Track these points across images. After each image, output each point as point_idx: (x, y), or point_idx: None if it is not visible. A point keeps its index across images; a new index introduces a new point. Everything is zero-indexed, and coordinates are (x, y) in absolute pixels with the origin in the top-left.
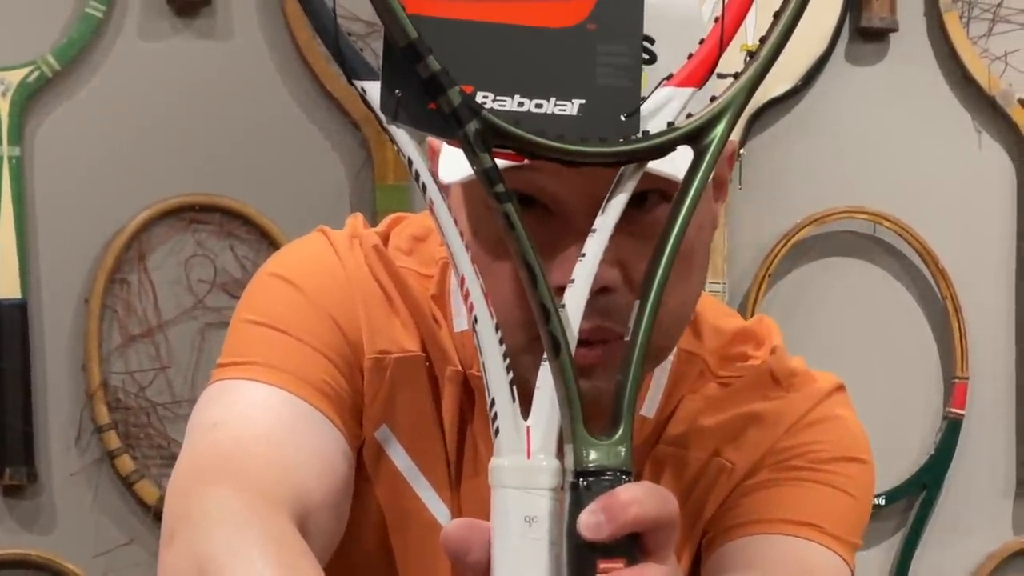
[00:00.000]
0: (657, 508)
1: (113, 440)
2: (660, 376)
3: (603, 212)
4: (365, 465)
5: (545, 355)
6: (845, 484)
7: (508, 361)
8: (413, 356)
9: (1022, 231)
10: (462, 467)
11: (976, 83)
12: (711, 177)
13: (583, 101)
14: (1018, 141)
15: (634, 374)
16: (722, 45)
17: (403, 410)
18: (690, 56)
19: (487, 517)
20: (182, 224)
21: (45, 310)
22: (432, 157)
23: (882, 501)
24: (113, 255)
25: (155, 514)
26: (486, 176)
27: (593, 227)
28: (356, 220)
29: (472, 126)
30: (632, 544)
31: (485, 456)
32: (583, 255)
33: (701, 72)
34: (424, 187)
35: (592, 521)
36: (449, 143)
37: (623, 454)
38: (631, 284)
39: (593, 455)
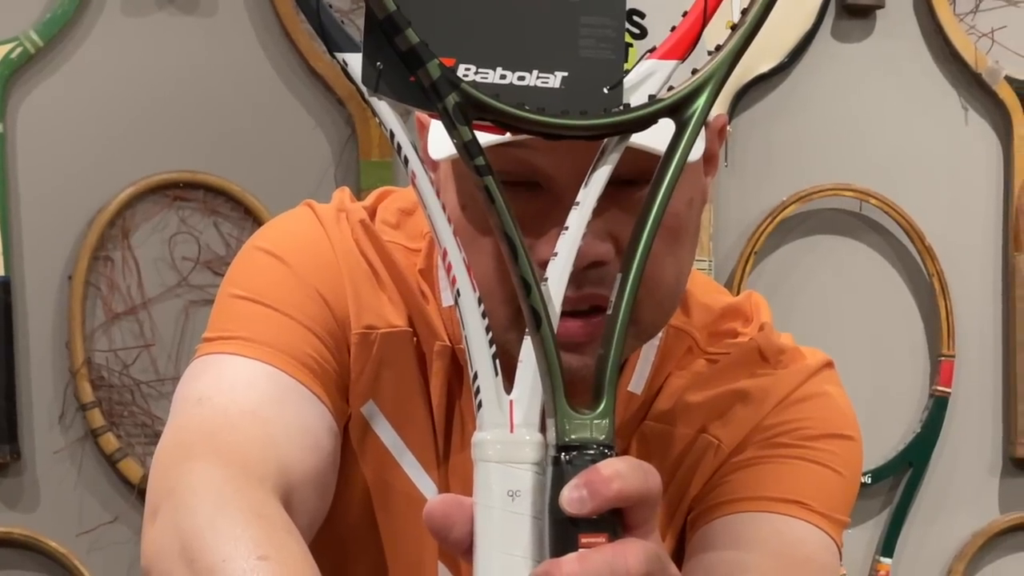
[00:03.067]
0: (640, 483)
1: (97, 418)
2: (648, 352)
3: (586, 185)
4: (351, 440)
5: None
6: (832, 461)
7: (491, 335)
8: (400, 331)
9: (1008, 209)
10: (449, 442)
11: (962, 60)
12: (702, 152)
13: (566, 74)
14: (1004, 118)
15: (616, 347)
16: (706, 17)
17: (390, 385)
18: (673, 28)
19: (470, 495)
20: (166, 201)
21: (28, 287)
22: (421, 131)
23: (868, 479)
24: (97, 232)
25: (139, 492)
26: (466, 149)
27: (576, 200)
28: (343, 194)
29: (451, 99)
30: (614, 519)
31: (472, 431)
32: (566, 228)
33: (684, 44)
34: (406, 160)
35: (574, 496)
36: (430, 116)
37: (606, 428)
38: (620, 253)
39: (575, 430)
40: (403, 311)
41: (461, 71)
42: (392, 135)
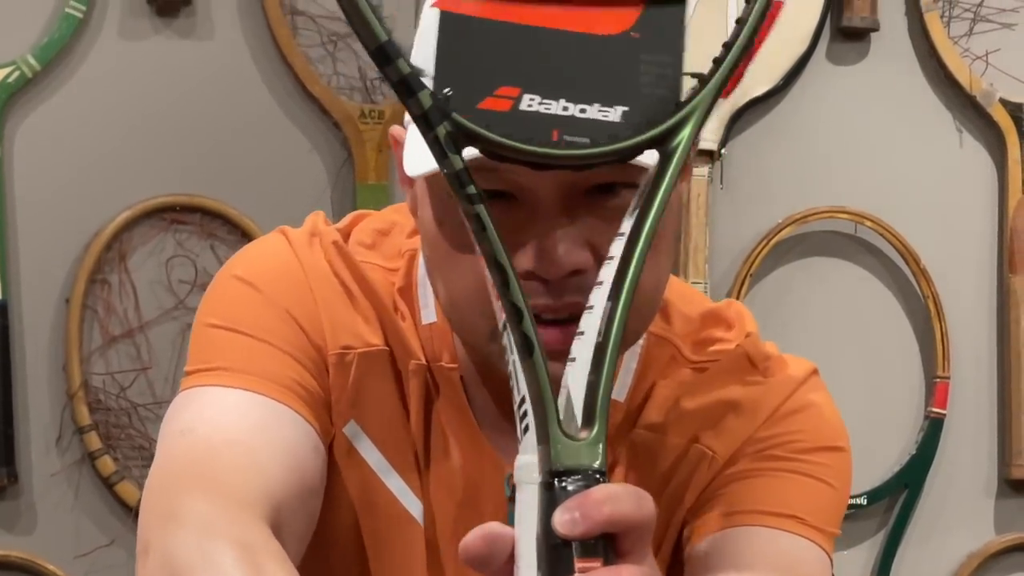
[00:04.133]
0: (632, 509)
1: (94, 441)
2: (630, 360)
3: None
4: (336, 460)
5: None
6: (824, 474)
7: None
8: (377, 350)
9: (1003, 231)
10: (430, 459)
11: (957, 82)
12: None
13: (626, 108)
14: (999, 141)
15: (607, 373)
16: (751, 53)
17: (370, 404)
18: (716, 62)
19: (457, 508)
20: (163, 224)
21: (26, 310)
22: (396, 148)
23: (864, 500)
24: (94, 255)
25: (136, 515)
26: (457, 179)
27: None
28: (316, 218)
29: (442, 129)
30: (608, 544)
31: (453, 447)
32: (621, 233)
33: (731, 82)
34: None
35: (566, 518)
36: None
37: (599, 454)
38: (601, 264)
39: (568, 455)
40: (379, 330)
41: (525, 101)
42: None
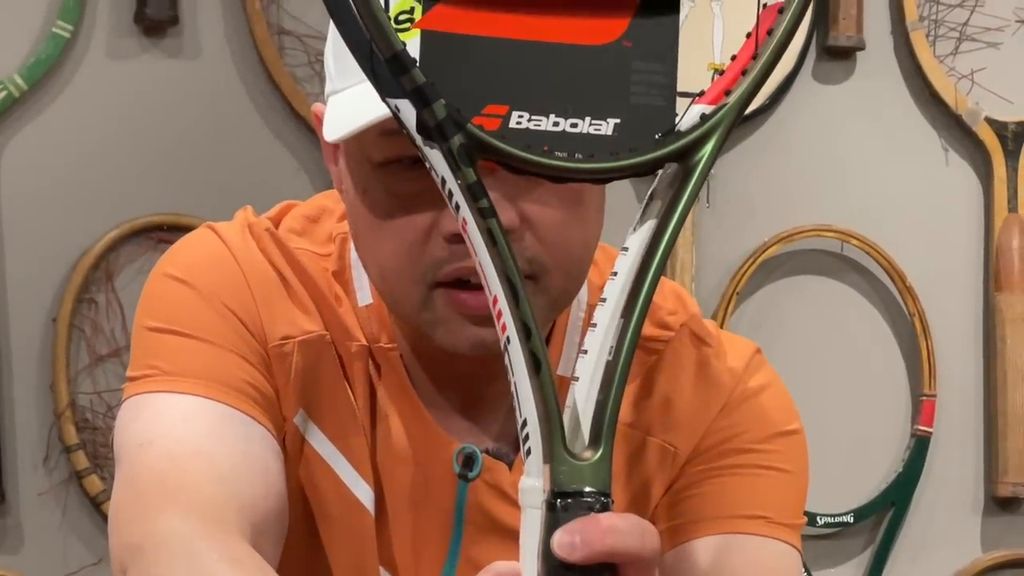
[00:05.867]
0: (636, 544)
1: (81, 460)
2: (572, 334)
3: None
4: (287, 451)
5: (524, 373)
6: (785, 463)
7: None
8: (316, 336)
9: (989, 249)
10: (376, 442)
11: (943, 101)
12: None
13: (618, 120)
14: (984, 159)
15: (616, 393)
16: (756, 60)
17: (315, 392)
18: (720, 73)
19: (408, 489)
20: (150, 244)
21: (12, 330)
22: (318, 124)
23: (851, 518)
24: (81, 275)
25: None
26: (470, 191)
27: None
28: (245, 212)
29: (456, 140)
30: (609, 574)
31: (399, 429)
32: (625, 248)
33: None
34: (457, 206)
35: (565, 540)
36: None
37: (604, 475)
38: (532, 228)
39: (573, 476)
40: (316, 316)
41: (514, 118)
42: (444, 182)
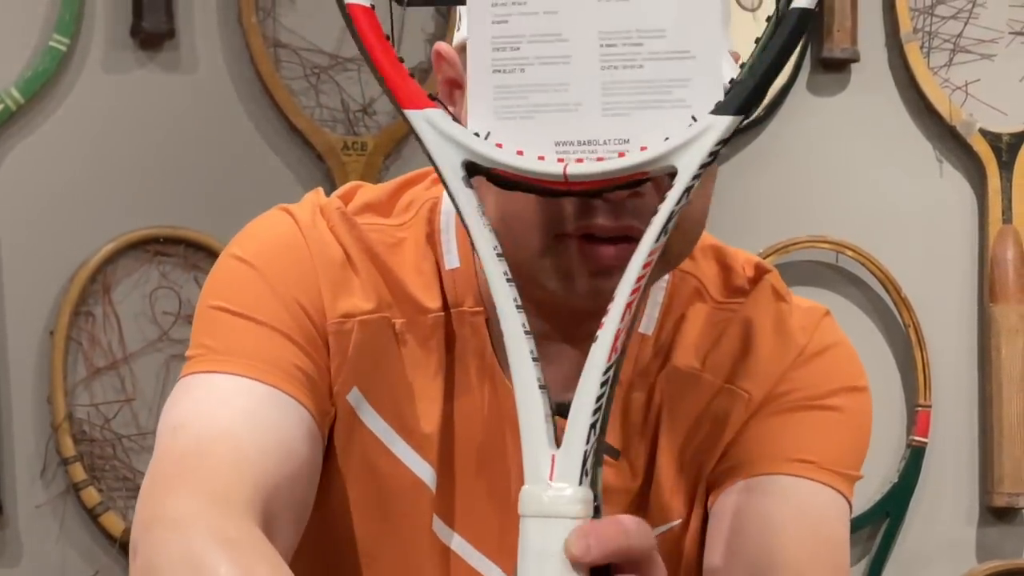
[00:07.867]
0: (642, 540)
1: (79, 472)
2: (656, 293)
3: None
4: (339, 432)
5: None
6: (846, 414)
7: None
8: (377, 317)
9: (983, 260)
10: (445, 416)
11: (937, 113)
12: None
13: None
14: (979, 171)
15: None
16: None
17: (373, 371)
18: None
19: (473, 462)
20: (146, 256)
21: (10, 343)
22: (438, 61)
23: None
24: (78, 288)
25: (120, 545)
26: None
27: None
28: (317, 193)
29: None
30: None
31: (471, 398)
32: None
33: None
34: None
35: (581, 543)
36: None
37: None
38: (659, 188)
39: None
40: (382, 295)
41: None
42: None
